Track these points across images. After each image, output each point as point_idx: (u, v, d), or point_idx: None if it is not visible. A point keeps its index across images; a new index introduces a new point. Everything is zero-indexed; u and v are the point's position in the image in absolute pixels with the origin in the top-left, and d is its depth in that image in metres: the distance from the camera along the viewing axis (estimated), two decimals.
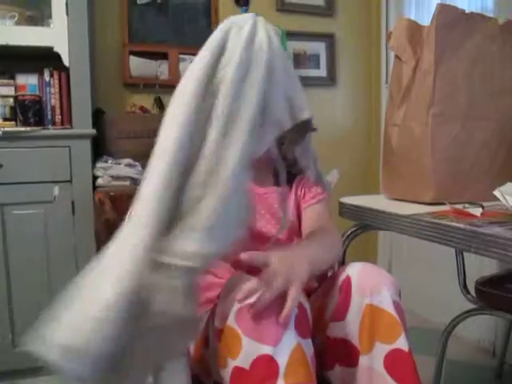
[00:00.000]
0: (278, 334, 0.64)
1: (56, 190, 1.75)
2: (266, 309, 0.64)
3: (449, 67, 1.08)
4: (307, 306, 0.72)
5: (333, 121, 2.60)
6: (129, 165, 1.86)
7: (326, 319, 0.77)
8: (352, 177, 2.55)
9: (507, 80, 1.14)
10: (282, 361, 0.62)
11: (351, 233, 1.26)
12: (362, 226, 1.24)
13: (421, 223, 0.97)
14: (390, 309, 0.72)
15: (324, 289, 0.83)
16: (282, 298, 0.65)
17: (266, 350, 0.63)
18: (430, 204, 1.11)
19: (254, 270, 0.73)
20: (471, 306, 1.45)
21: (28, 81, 1.85)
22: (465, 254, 1.51)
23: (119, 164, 1.84)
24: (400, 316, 0.72)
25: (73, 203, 1.76)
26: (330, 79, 2.59)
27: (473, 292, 1.46)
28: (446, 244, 0.88)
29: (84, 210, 1.77)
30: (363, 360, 0.71)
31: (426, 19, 1.11)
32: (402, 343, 0.70)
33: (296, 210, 0.99)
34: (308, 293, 0.89)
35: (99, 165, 1.83)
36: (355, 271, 0.76)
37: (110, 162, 1.84)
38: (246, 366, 0.63)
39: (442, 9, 1.06)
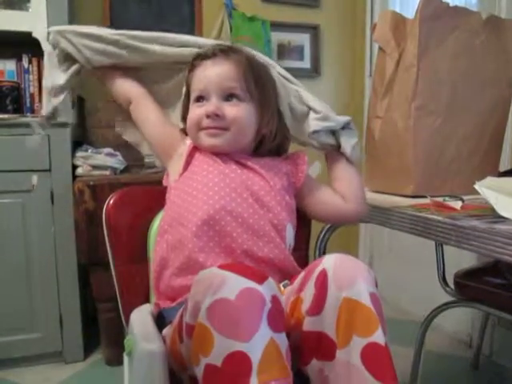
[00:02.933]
0: (250, 329, 0.62)
1: (35, 179, 1.71)
2: (238, 304, 0.63)
3: (432, 60, 1.09)
4: (281, 298, 0.70)
5: None
6: (109, 154, 1.83)
7: (302, 313, 0.76)
8: None
9: (489, 74, 1.15)
10: (255, 357, 0.61)
11: (332, 225, 1.26)
12: None
13: (401, 216, 0.97)
14: (366, 302, 0.71)
15: (299, 282, 0.81)
16: (253, 293, 0.65)
17: (238, 346, 0.61)
18: (411, 197, 1.11)
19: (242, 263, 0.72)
20: (450, 298, 1.47)
21: (6, 67, 1.81)
22: (444, 246, 1.52)
23: (99, 153, 1.81)
24: (377, 309, 0.71)
25: (52, 192, 1.73)
26: (314, 71, 2.58)
27: (452, 284, 1.47)
28: (427, 237, 0.89)
29: (63, 199, 1.74)
30: (340, 354, 0.70)
31: (410, 12, 1.11)
32: (378, 337, 0.69)
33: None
34: (287, 277, 0.89)
35: (79, 154, 1.80)
36: (331, 263, 0.74)
37: (90, 151, 1.81)
38: (218, 364, 0.61)
39: (427, 2, 1.06)
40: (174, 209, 0.93)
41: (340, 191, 1.01)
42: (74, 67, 1.04)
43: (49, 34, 1.03)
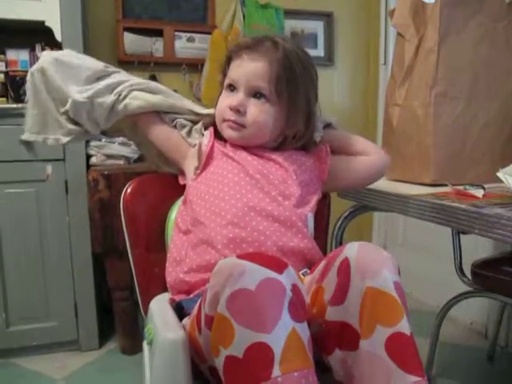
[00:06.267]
0: (271, 320, 0.61)
1: (49, 168, 1.72)
2: (258, 295, 0.62)
3: (453, 46, 1.06)
4: (302, 287, 0.69)
5: (330, 101, 2.57)
6: (123, 143, 1.82)
7: (324, 303, 0.75)
8: None
9: None
10: (277, 348, 0.60)
11: (349, 213, 1.25)
12: (361, 207, 1.23)
13: (422, 204, 0.96)
14: (391, 291, 0.70)
15: (320, 271, 0.80)
16: (274, 283, 0.64)
17: (260, 337, 0.60)
18: (430, 185, 1.10)
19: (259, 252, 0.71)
20: (463, 288, 1.44)
21: (19, 56, 1.81)
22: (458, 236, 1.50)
23: (113, 142, 1.81)
24: (401, 298, 0.70)
25: (66, 182, 1.74)
26: (328, 59, 2.55)
27: (468, 274, 1.46)
28: (449, 225, 0.88)
29: (77, 188, 1.74)
30: (364, 344, 0.69)
31: None
32: (403, 326, 0.68)
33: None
34: (309, 266, 0.88)
35: (93, 143, 1.80)
36: (354, 252, 0.73)
37: (103, 140, 1.81)
38: (239, 355, 0.61)
39: None
40: (195, 209, 0.92)
41: (358, 152, 1.02)
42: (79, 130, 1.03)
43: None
